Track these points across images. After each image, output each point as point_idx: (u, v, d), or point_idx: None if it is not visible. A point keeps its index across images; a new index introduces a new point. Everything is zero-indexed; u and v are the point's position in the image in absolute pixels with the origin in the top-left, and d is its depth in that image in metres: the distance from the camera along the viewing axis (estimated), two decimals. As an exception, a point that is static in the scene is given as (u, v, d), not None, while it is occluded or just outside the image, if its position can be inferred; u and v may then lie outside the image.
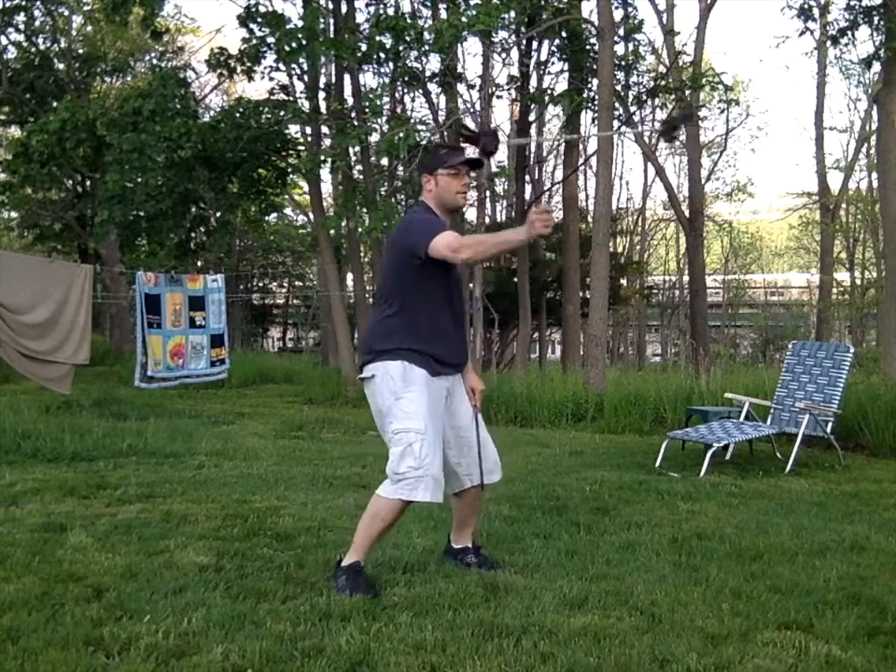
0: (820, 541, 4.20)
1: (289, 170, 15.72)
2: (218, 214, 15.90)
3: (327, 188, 18.99)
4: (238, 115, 14.13)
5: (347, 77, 13.95)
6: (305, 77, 14.17)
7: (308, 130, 14.78)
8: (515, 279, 17.44)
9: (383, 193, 15.20)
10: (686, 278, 24.78)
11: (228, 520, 4.48)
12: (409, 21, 12.41)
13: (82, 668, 2.56)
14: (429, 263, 3.33)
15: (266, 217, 20.59)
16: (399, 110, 16.64)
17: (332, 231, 15.02)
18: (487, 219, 21.81)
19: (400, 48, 12.00)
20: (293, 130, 15.55)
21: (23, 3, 18.09)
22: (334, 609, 3.08)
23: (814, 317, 27.16)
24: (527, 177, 20.02)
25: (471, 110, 15.09)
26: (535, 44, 16.18)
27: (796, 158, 56.78)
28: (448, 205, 3.54)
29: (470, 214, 17.86)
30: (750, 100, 47.71)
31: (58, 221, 22.82)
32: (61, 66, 20.04)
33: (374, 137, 13.07)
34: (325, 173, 15.63)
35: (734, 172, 49.19)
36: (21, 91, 19.09)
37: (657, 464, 6.62)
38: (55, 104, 17.71)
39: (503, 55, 15.63)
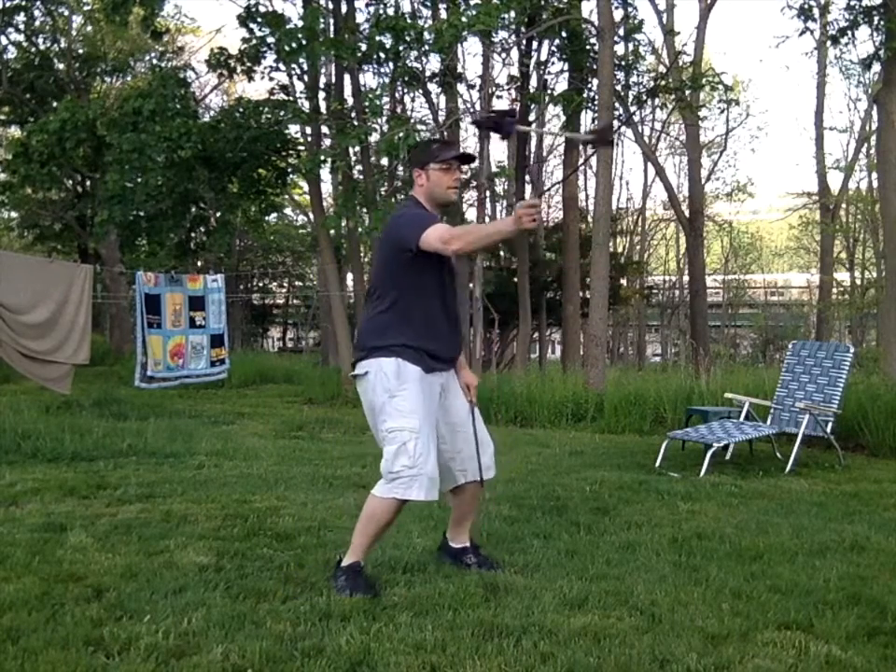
0: (820, 541, 4.20)
1: (289, 170, 15.72)
2: (218, 214, 15.90)
3: (327, 188, 19.01)
4: (238, 115, 14.13)
5: (347, 77, 13.95)
6: (305, 77, 14.17)
7: (308, 130, 14.77)
8: (515, 279, 17.45)
9: (383, 193, 15.21)
10: (686, 278, 24.79)
11: (228, 520, 4.48)
12: (409, 21, 12.42)
13: (82, 668, 2.56)
14: (421, 256, 3.30)
15: (266, 217, 20.59)
16: (399, 110, 16.64)
17: (332, 231, 15.02)
18: (487, 219, 21.77)
19: (400, 48, 12.00)
20: (293, 130, 15.56)
21: (23, 3, 18.09)
22: (334, 608, 3.08)
23: (814, 317, 27.16)
24: (527, 177, 20.02)
25: (471, 110, 15.09)
26: (535, 44, 16.19)
27: (796, 158, 56.90)
28: (439, 200, 3.51)
29: (470, 214, 17.84)
30: (750, 100, 47.82)
31: (58, 221, 22.82)
32: (61, 66, 20.04)
33: (374, 137, 13.08)
34: (325, 173, 15.64)
35: (734, 172, 49.29)
36: (21, 91, 19.09)
37: (657, 464, 6.62)
38: (55, 104, 17.71)
39: (503, 55, 15.66)
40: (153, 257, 15.62)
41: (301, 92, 14.73)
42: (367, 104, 12.21)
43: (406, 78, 13.76)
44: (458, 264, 3.55)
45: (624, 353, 34.73)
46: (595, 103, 13.70)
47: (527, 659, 2.69)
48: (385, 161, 15.78)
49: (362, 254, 18.35)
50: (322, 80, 15.07)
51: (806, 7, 13.35)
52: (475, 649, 2.75)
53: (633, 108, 16.77)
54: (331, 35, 13.13)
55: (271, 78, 14.54)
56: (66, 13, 20.30)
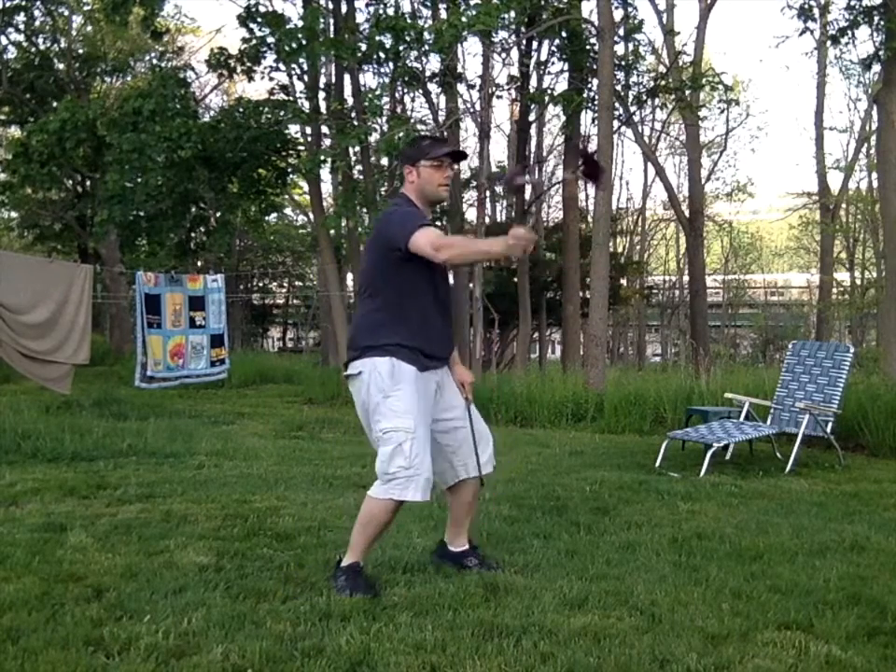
0: (820, 541, 4.20)
1: (289, 170, 15.73)
2: (218, 214, 15.90)
3: (327, 188, 19.01)
4: (238, 115, 14.15)
5: (347, 77, 13.96)
6: (305, 77, 14.18)
7: (308, 130, 14.78)
8: (515, 279, 17.45)
9: (383, 193, 15.20)
10: (686, 278, 24.78)
11: (228, 520, 4.48)
12: (409, 21, 12.43)
13: (82, 668, 2.56)
14: (411, 256, 3.27)
15: (266, 217, 20.60)
16: (399, 110, 16.65)
17: (332, 231, 15.03)
18: (487, 219, 21.80)
19: (400, 48, 12.01)
20: (293, 130, 15.57)
21: (23, 3, 18.09)
22: (334, 608, 3.08)
23: (814, 317, 27.16)
24: (527, 177, 19.98)
25: (471, 110, 15.09)
26: (535, 44, 16.20)
27: (796, 158, 56.94)
28: (430, 198, 3.48)
29: (470, 214, 17.84)
30: (750, 100, 47.78)
31: (58, 221, 22.82)
32: (61, 66, 20.04)
33: (374, 137, 13.09)
34: (325, 173, 15.64)
35: (734, 172, 49.24)
36: (21, 91, 19.09)
37: (657, 464, 6.62)
38: (55, 104, 17.71)
39: (503, 55, 15.65)
40: (153, 257, 15.63)
41: (301, 92, 14.75)
42: (367, 104, 12.21)
43: (406, 78, 13.77)
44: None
45: (624, 353, 34.73)
46: (595, 103, 13.71)
47: (527, 659, 2.68)
48: (385, 161, 15.79)
49: (362, 254, 18.34)
50: (322, 80, 15.08)
51: (806, 6, 13.35)
52: (475, 649, 2.75)
53: (633, 108, 16.76)
54: (331, 35, 13.14)
55: (271, 78, 14.56)
56: (66, 13, 20.30)
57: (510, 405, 9.98)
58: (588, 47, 14.82)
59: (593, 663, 2.65)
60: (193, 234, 16.81)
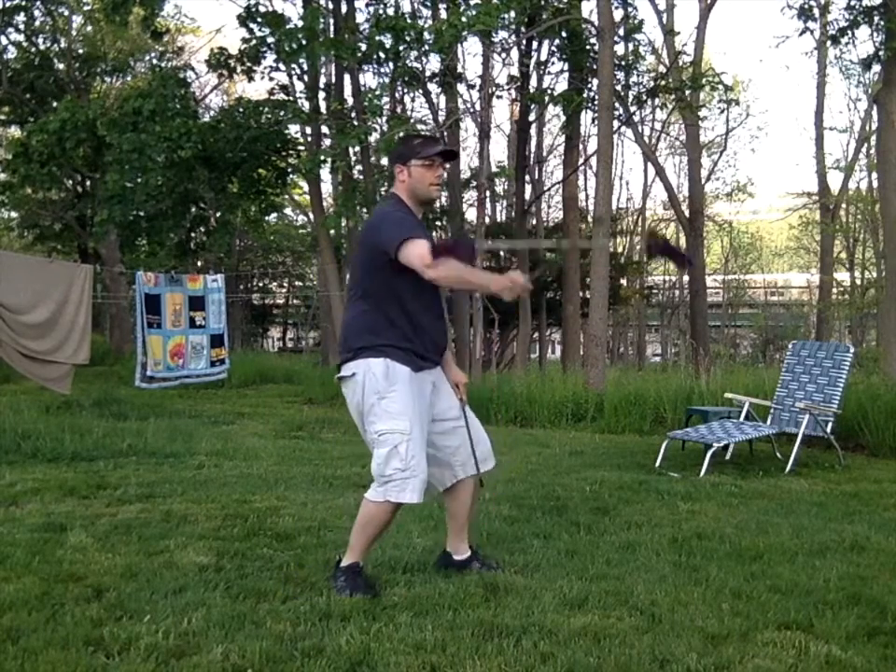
0: (820, 541, 4.20)
1: (289, 170, 15.74)
2: (218, 214, 15.91)
3: (327, 188, 19.02)
4: (238, 115, 14.16)
5: (347, 77, 13.97)
6: (305, 77, 14.19)
7: (308, 130, 14.79)
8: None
9: (383, 193, 15.19)
10: (686, 278, 24.77)
11: (228, 520, 4.48)
12: (409, 21, 12.43)
13: (82, 668, 2.56)
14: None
15: (266, 217, 20.60)
16: (399, 110, 16.65)
17: (332, 231, 15.04)
18: (487, 219, 21.82)
19: (400, 48, 12.02)
20: (293, 130, 15.59)
21: (23, 3, 18.10)
22: (334, 608, 3.08)
23: (814, 317, 27.17)
24: (527, 177, 20.03)
25: (471, 110, 15.10)
26: (535, 44, 16.20)
27: (796, 158, 56.96)
28: (421, 197, 3.43)
29: (470, 214, 17.85)
30: (750, 100, 47.73)
31: (58, 221, 22.82)
32: (61, 66, 20.05)
33: (374, 137, 13.09)
34: (325, 173, 15.66)
35: (734, 172, 49.21)
36: (21, 91, 19.09)
37: (657, 464, 6.62)
38: (55, 104, 17.72)
39: (503, 55, 15.67)
40: (153, 257, 15.63)
41: (301, 92, 14.76)
42: (367, 104, 12.23)
43: (406, 78, 13.78)
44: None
45: (624, 353, 34.73)
46: (595, 103, 13.71)
47: (527, 659, 2.68)
48: (385, 161, 15.79)
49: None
50: (322, 80, 15.09)
51: (806, 7, 13.36)
52: (475, 649, 2.75)
53: (633, 108, 16.77)
54: (331, 35, 13.14)
55: (271, 78, 14.58)
56: (66, 13, 20.30)
57: (510, 405, 9.98)
58: (588, 47, 14.83)
59: (593, 663, 2.65)
60: (193, 234, 16.83)
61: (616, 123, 14.63)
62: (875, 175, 19.00)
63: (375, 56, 12.50)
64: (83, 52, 20.54)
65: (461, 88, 15.76)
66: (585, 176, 25.12)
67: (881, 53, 12.20)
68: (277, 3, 36.92)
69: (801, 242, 33.92)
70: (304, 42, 11.90)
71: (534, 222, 23.02)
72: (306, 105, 14.03)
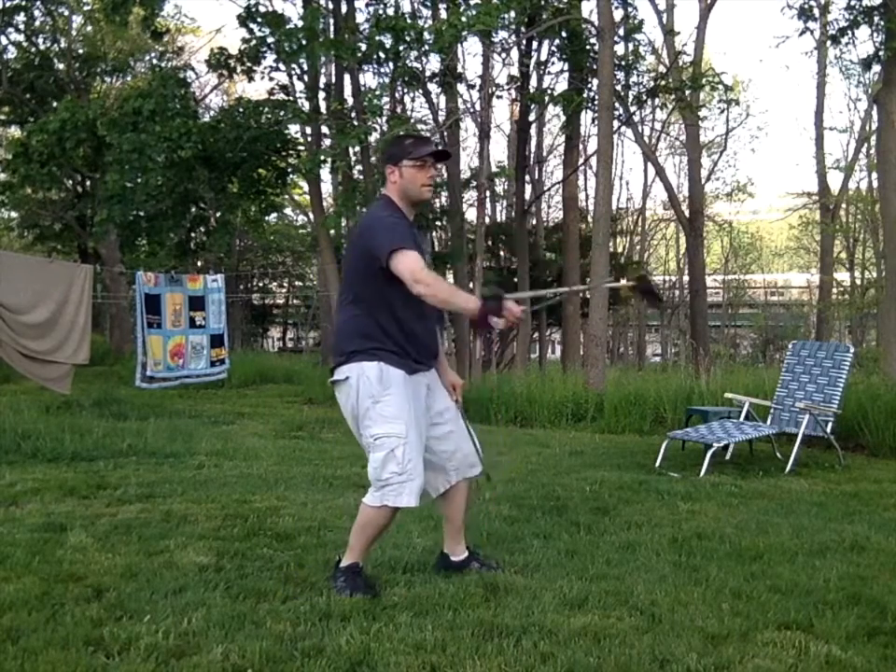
0: (820, 541, 4.20)
1: (289, 170, 15.73)
2: (218, 214, 15.91)
3: (327, 188, 19.03)
4: (238, 115, 14.15)
5: (347, 77, 13.97)
6: (305, 77, 14.18)
7: (308, 130, 14.79)
8: (515, 279, 17.45)
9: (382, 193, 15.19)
10: (686, 278, 24.80)
11: (228, 520, 4.48)
12: (409, 21, 12.43)
13: (82, 668, 2.56)
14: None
15: (266, 217, 20.60)
16: (399, 110, 16.65)
17: (332, 231, 15.03)
18: (487, 219, 21.83)
19: (400, 48, 12.02)
20: (293, 130, 15.58)
21: (23, 3, 18.10)
22: (334, 608, 3.08)
23: (814, 317, 27.16)
24: (527, 177, 20.03)
25: (471, 110, 15.10)
26: (535, 44, 16.21)
27: (796, 158, 56.97)
28: (413, 198, 3.39)
29: (470, 214, 17.85)
30: (750, 100, 47.71)
31: (58, 221, 22.82)
32: (61, 66, 20.04)
33: (374, 137, 13.10)
34: (325, 173, 15.67)
35: (734, 172, 49.19)
36: (21, 91, 19.09)
37: (657, 464, 6.62)
38: (55, 104, 17.71)
39: (503, 55, 15.68)
40: (153, 257, 15.63)
41: (300, 92, 14.76)
42: (367, 104, 12.22)
43: (406, 78, 13.78)
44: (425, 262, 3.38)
45: (624, 353, 34.73)
46: (595, 103, 13.71)
47: (527, 659, 2.69)
48: (385, 161, 15.78)
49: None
50: (322, 80, 15.09)
51: (806, 7, 13.36)
52: (475, 649, 2.75)
53: (633, 108, 16.77)
54: (331, 35, 13.14)
55: (271, 78, 14.58)
56: (66, 13, 20.30)
57: (510, 405, 9.98)
58: (588, 47, 14.83)
59: (593, 663, 2.65)
60: (193, 234, 16.82)
61: (616, 123, 14.64)
62: (875, 175, 18.99)
63: (375, 56, 12.50)
64: (83, 52, 20.54)
65: (461, 88, 15.78)
66: (585, 176, 25.14)
67: (881, 53, 12.20)
68: (277, 3, 36.96)
69: (801, 242, 33.92)
70: (304, 42, 11.90)
71: (534, 222, 23.03)
72: (306, 105, 14.03)
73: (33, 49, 19.60)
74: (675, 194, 21.57)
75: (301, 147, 15.22)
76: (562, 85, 17.15)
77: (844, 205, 25.81)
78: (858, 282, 27.21)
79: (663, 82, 16.09)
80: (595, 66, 13.49)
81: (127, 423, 8.39)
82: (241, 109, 14.27)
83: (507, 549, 3.97)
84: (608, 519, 4.67)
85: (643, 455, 7.12)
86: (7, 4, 17.84)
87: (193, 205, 15.60)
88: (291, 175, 16.54)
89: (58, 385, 9.31)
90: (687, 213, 19.50)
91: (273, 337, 38.21)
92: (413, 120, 16.14)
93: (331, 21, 13.69)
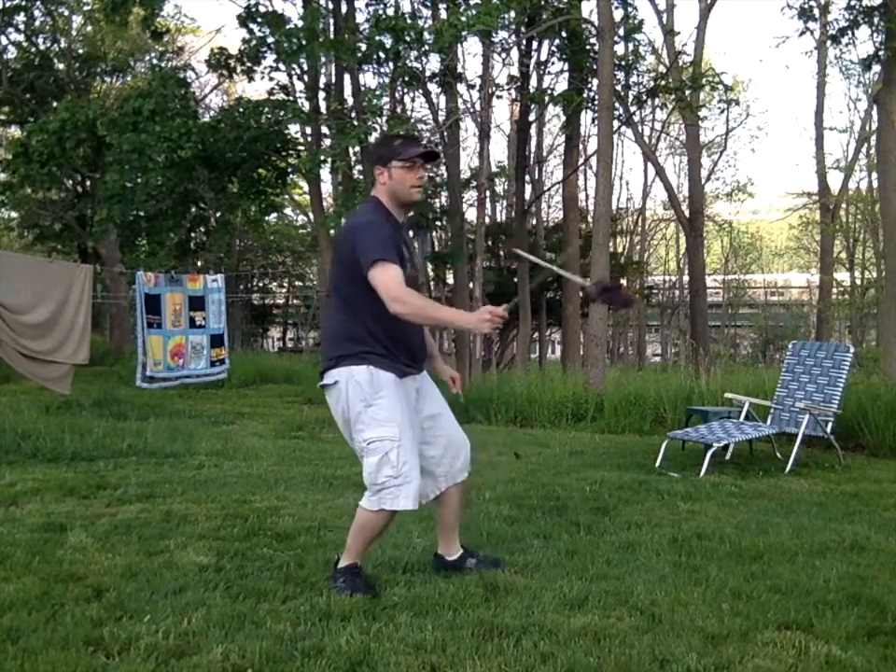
0: (820, 541, 4.20)
1: (289, 170, 15.74)
2: (218, 214, 15.91)
3: (327, 188, 19.01)
4: (238, 115, 14.16)
5: (347, 77, 13.97)
6: (305, 77, 14.19)
7: (308, 130, 14.79)
8: (515, 279, 17.45)
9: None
10: (686, 278, 24.78)
11: (228, 520, 4.48)
12: (409, 21, 12.43)
13: (82, 668, 2.56)
14: None
15: (266, 217, 20.60)
16: (399, 110, 16.65)
17: (332, 231, 15.03)
18: (487, 219, 21.83)
19: (400, 48, 12.02)
20: (293, 130, 15.59)
21: (23, 3, 18.10)
22: (334, 608, 3.08)
23: (814, 317, 27.16)
24: (527, 177, 20.03)
25: (471, 110, 15.10)
26: (535, 44, 16.20)
27: (796, 158, 57.02)
28: (402, 200, 3.35)
29: (470, 214, 17.85)
30: (750, 100, 47.70)
31: (58, 221, 22.82)
32: (61, 66, 20.04)
33: (374, 137, 13.09)
34: (325, 173, 15.66)
35: (734, 172, 49.17)
36: (21, 91, 19.09)
37: (657, 464, 6.62)
38: (55, 104, 17.72)
39: (503, 55, 15.66)
40: (153, 257, 15.63)
41: (300, 92, 14.76)
42: (367, 104, 12.22)
43: (406, 78, 13.77)
44: (410, 268, 3.34)
45: (624, 353, 34.71)
46: (595, 103, 13.71)
47: (527, 659, 2.69)
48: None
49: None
50: (322, 80, 15.09)
51: (806, 7, 13.36)
52: (475, 649, 2.75)
53: (633, 108, 16.77)
54: (331, 36, 13.15)
55: (271, 78, 14.59)
56: (66, 13, 20.30)
57: (510, 405, 9.97)
58: (588, 47, 14.83)
59: (593, 663, 2.65)
60: (193, 234, 16.83)
61: (616, 123, 14.64)
62: (875, 175, 19.00)
63: (375, 56, 12.50)
64: (83, 52, 20.53)
65: (461, 88, 15.77)
66: (585, 176, 25.13)
67: (881, 53, 12.20)
68: (277, 3, 36.95)
69: (801, 242, 33.93)
70: (304, 42, 11.91)
71: (534, 222, 23.02)
72: (306, 105, 14.04)
73: (33, 49, 19.60)
74: (675, 194, 21.58)
75: (301, 147, 15.23)
76: (562, 85, 17.16)
77: (844, 205, 25.81)
78: (858, 282, 27.21)
79: (663, 82, 16.09)
80: (595, 66, 13.49)
81: (127, 423, 8.39)
82: (241, 109, 14.28)
83: (507, 549, 3.97)
84: (608, 519, 4.67)
85: (643, 455, 7.12)
86: (7, 4, 17.85)
87: (193, 205, 15.61)
88: (291, 175, 16.55)
89: (58, 385, 9.31)
90: (687, 213, 19.50)
91: (272, 337, 38.19)
92: (413, 120, 16.14)
93: (331, 21, 13.70)
